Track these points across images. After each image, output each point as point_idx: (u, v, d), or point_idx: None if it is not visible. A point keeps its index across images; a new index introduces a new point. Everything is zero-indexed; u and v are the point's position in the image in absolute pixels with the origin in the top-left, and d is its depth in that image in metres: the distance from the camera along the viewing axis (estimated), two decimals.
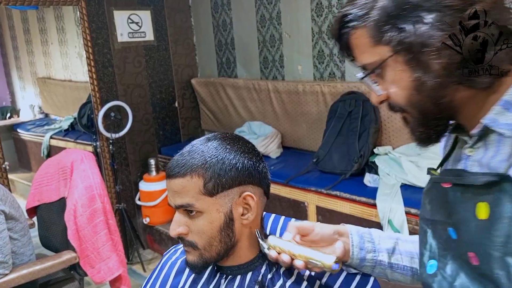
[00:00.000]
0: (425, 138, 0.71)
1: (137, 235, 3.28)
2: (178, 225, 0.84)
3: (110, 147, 3.03)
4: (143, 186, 3.19)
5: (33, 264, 1.76)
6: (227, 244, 0.85)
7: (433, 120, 0.68)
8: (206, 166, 0.81)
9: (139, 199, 3.25)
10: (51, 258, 1.83)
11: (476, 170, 0.66)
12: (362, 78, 0.71)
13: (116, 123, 3.07)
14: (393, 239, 0.89)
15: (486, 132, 0.66)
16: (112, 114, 2.98)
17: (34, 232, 2.22)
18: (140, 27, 3.19)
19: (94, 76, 3.00)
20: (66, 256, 1.84)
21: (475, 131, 0.67)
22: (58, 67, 4.89)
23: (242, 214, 0.85)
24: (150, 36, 3.24)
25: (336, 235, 0.86)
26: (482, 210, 0.62)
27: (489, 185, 0.61)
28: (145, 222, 3.26)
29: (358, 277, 0.89)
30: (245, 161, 0.83)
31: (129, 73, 3.18)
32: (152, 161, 3.20)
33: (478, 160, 0.67)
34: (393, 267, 0.87)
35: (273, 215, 1.03)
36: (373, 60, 0.67)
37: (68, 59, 4.64)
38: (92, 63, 2.99)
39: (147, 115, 3.32)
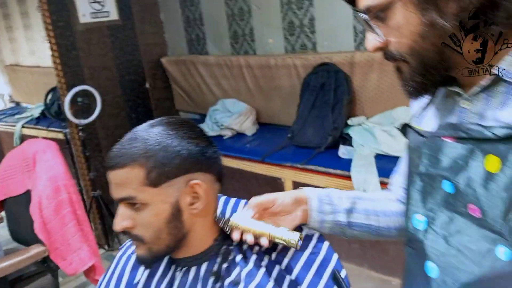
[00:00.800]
0: (419, 89, 0.66)
1: None
2: (122, 219, 0.78)
3: (80, 134, 2.93)
4: None
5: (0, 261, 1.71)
6: (176, 235, 0.81)
7: (432, 70, 0.64)
8: (148, 155, 0.75)
9: None
10: (19, 253, 1.77)
11: (475, 122, 0.65)
12: (366, 22, 0.65)
13: (84, 109, 2.96)
14: (351, 199, 0.90)
15: (493, 83, 0.63)
16: (79, 99, 2.87)
17: (5, 227, 2.15)
18: (103, 6, 3.04)
19: (58, 60, 2.87)
20: (35, 250, 1.78)
21: (484, 82, 0.64)
22: (25, 53, 4.72)
23: (191, 204, 0.80)
24: (114, 15, 3.10)
25: (296, 204, 0.86)
26: (493, 164, 0.60)
27: (505, 138, 0.58)
28: None
29: (320, 258, 0.86)
30: (191, 147, 0.78)
31: (94, 56, 3.05)
32: None
33: (478, 113, 0.65)
34: (351, 225, 0.89)
35: (233, 199, 0.99)
36: (378, 1, 0.62)
37: (34, 44, 4.47)
38: (55, 47, 2.86)
39: (117, 98, 3.21)
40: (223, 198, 0.99)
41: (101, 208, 3.06)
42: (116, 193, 0.77)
